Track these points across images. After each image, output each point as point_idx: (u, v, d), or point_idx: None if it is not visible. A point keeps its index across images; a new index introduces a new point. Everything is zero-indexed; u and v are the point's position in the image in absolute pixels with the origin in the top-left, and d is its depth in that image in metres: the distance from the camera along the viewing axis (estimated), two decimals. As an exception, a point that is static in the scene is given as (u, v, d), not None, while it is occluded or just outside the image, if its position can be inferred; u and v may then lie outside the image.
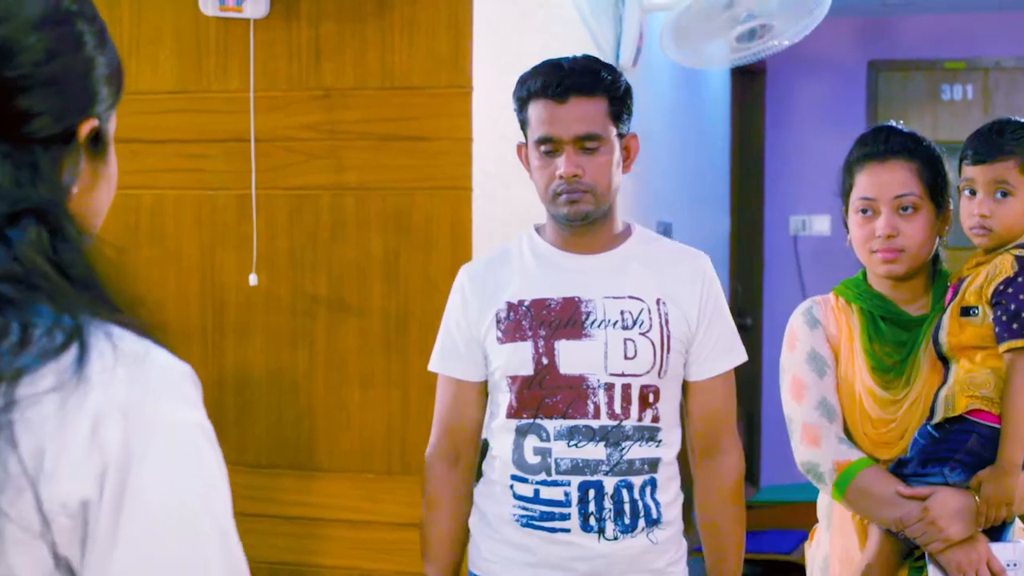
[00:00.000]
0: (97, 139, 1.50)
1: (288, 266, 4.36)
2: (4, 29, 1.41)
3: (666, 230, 6.64)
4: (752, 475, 7.87)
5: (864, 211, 3.30)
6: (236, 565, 1.40)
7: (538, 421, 3.21)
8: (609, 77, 3.22)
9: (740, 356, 3.36)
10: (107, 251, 1.48)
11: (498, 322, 3.27)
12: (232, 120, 4.37)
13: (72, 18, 1.48)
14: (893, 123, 3.41)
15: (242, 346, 4.42)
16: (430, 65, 4.22)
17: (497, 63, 4.35)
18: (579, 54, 3.29)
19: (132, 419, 1.33)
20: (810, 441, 3.30)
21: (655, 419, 3.22)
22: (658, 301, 3.24)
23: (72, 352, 1.33)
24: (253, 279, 4.32)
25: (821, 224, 9.26)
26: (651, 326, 3.22)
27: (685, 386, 3.33)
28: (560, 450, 3.19)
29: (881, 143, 3.32)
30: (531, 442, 3.23)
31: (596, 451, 3.18)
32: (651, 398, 3.21)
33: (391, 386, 4.28)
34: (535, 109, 3.22)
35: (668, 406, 3.26)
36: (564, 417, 3.19)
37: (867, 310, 3.36)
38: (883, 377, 3.31)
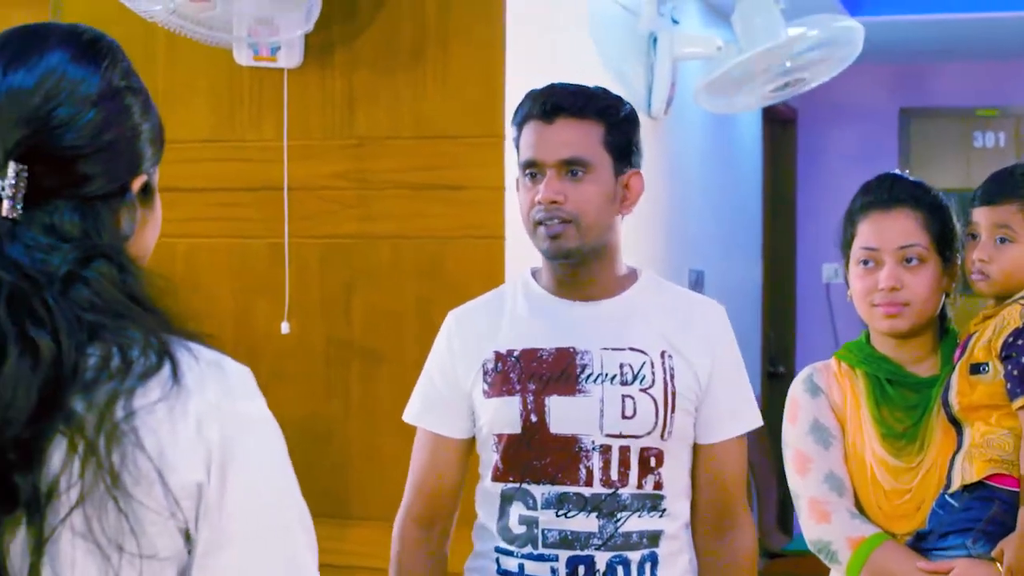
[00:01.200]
0: (145, 190, 1.79)
1: (320, 314, 4.37)
2: (67, 107, 1.68)
3: (698, 278, 6.63)
4: (785, 523, 7.83)
5: (866, 262, 3.11)
6: (307, 518, 1.77)
7: (524, 486, 2.89)
8: (606, 101, 2.94)
9: (755, 420, 3.05)
10: (158, 281, 1.75)
11: (485, 374, 2.96)
12: (265, 169, 4.39)
13: (122, 93, 1.76)
14: (899, 171, 3.26)
15: (275, 394, 4.38)
16: (463, 114, 4.23)
17: (530, 112, 4.35)
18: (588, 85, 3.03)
19: (225, 416, 1.66)
20: (819, 517, 3.07)
21: (658, 486, 2.89)
22: (663, 354, 2.92)
23: (167, 366, 1.63)
24: (285, 327, 4.33)
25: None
26: (654, 381, 2.89)
27: (694, 450, 3.00)
28: (547, 520, 2.86)
29: (885, 191, 3.14)
30: (517, 509, 2.90)
31: (587, 522, 2.85)
32: (653, 462, 2.89)
33: (424, 434, 4.27)
34: (525, 132, 2.95)
35: (674, 472, 2.93)
36: (553, 483, 2.86)
37: (872, 374, 3.15)
38: (895, 444, 3.09)
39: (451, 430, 3.04)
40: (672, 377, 2.91)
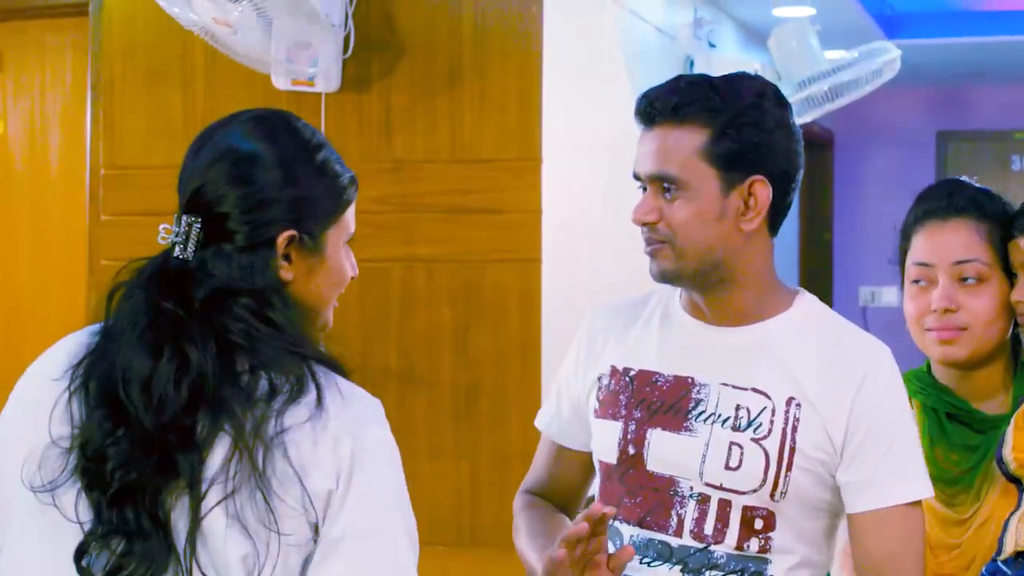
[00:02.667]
0: (303, 241, 2.11)
1: (359, 338, 4.37)
2: (243, 190, 2.10)
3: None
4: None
5: (918, 280, 2.73)
6: (412, 528, 2.08)
7: (615, 524, 2.53)
8: (715, 100, 2.45)
9: (919, 490, 2.45)
10: (313, 316, 2.19)
11: (599, 389, 2.61)
12: (303, 192, 4.40)
13: (253, 168, 2.10)
14: (964, 177, 2.85)
15: (312, 417, 4.42)
16: (500, 138, 4.24)
17: (566, 135, 4.36)
18: (699, 77, 2.56)
19: (356, 438, 2.02)
20: (849, 569, 2.61)
21: (763, 550, 2.44)
22: (789, 401, 2.44)
23: (313, 392, 2.01)
24: (322, 350, 4.33)
25: (891, 295, 9.19)
26: (770, 432, 2.43)
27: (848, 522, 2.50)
28: (631, 566, 2.47)
29: (943, 199, 2.73)
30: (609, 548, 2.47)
31: (670, 575, 2.48)
32: (758, 524, 2.44)
33: (460, 458, 4.27)
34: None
35: (791, 539, 2.46)
36: (641, 525, 2.50)
37: (930, 407, 2.74)
38: (947, 491, 2.66)
39: (571, 440, 2.71)
40: (794, 430, 2.44)
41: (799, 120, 5.71)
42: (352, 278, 2.28)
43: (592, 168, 4.65)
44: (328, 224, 2.17)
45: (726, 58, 5.83)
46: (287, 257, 2.11)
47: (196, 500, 1.95)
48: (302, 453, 1.98)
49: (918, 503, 2.45)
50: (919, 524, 2.45)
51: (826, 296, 9.34)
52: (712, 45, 5.80)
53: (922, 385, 2.77)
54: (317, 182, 2.16)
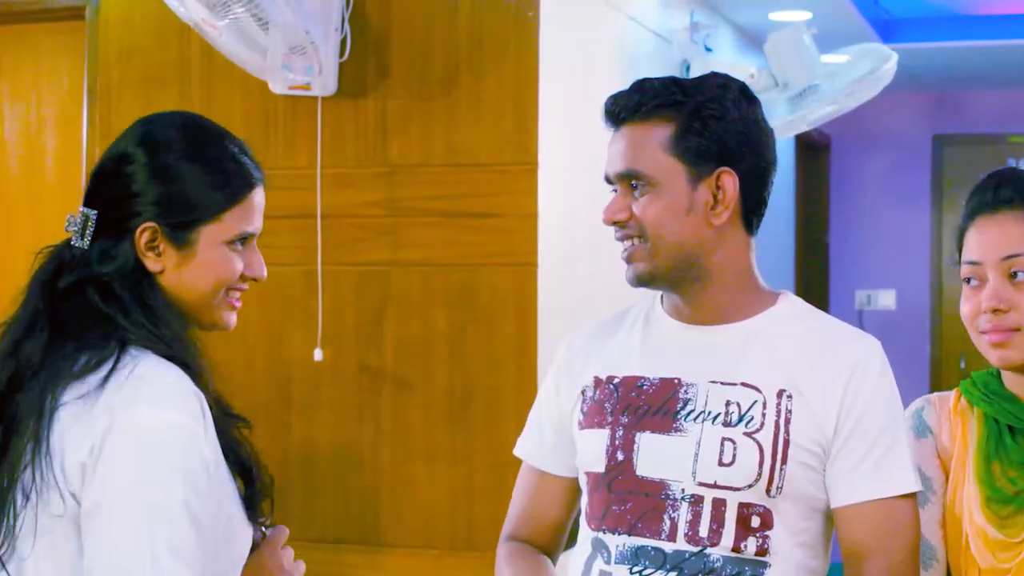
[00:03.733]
0: (169, 235, 2.22)
1: (354, 341, 4.38)
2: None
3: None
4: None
5: (969, 280, 2.51)
6: (165, 502, 2.06)
7: (601, 535, 2.46)
8: (678, 95, 2.45)
9: (903, 483, 2.40)
10: (194, 311, 2.31)
11: (583, 402, 2.55)
12: (299, 196, 4.41)
13: (127, 163, 2.23)
14: (1016, 164, 2.60)
15: (308, 421, 4.44)
16: (496, 142, 4.24)
17: (562, 140, 4.37)
18: (663, 76, 2.57)
19: (115, 415, 2.07)
20: None
21: (761, 552, 2.37)
22: (780, 393, 2.40)
23: (105, 370, 2.10)
24: (318, 354, 4.34)
25: (887, 299, 9.21)
26: (762, 425, 2.38)
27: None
28: None
29: (991, 191, 2.51)
30: (597, 564, 2.46)
31: None
32: (755, 522, 2.37)
33: (456, 462, 4.28)
34: None
35: (788, 538, 2.40)
36: (630, 533, 2.41)
37: (991, 416, 2.51)
38: (1000, 511, 2.46)
39: (554, 466, 2.64)
40: (787, 422, 2.39)
41: (797, 131, 5.76)
42: (255, 279, 2.39)
43: (588, 173, 4.64)
44: (203, 221, 2.24)
45: (723, 62, 5.83)
46: (154, 249, 2.21)
47: (8, 474, 2.11)
48: (66, 427, 2.09)
49: (904, 497, 2.40)
50: (904, 519, 2.40)
51: (822, 299, 9.34)
52: (709, 49, 5.80)
53: (987, 392, 2.54)
54: (195, 180, 2.24)
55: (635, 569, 2.40)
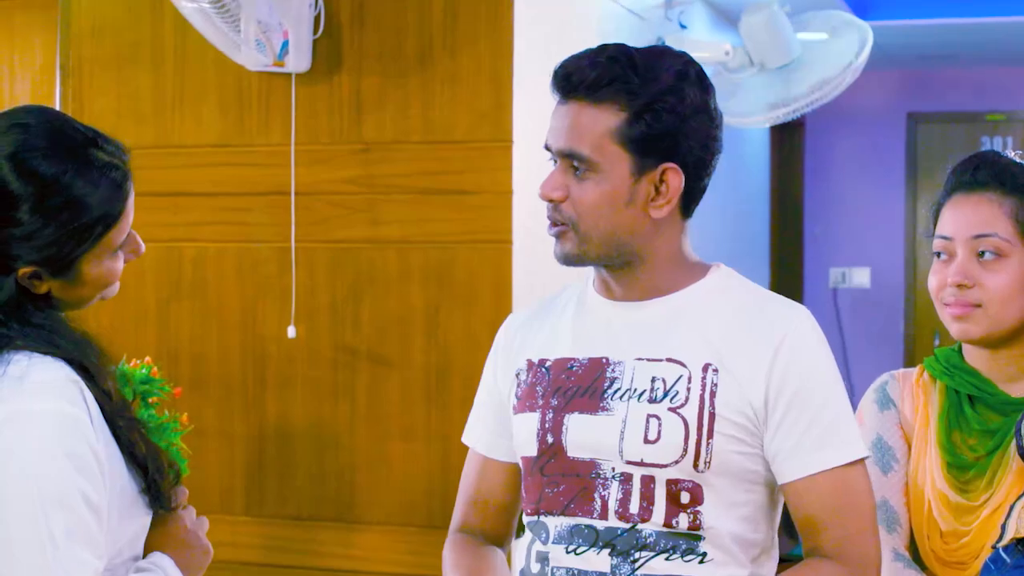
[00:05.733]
0: (59, 271, 2.21)
1: (329, 319, 4.37)
2: None
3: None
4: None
5: (939, 254, 2.63)
6: (68, 499, 2.06)
7: (541, 518, 2.44)
8: (633, 81, 2.35)
9: (850, 451, 2.37)
10: (84, 302, 2.28)
11: (517, 386, 2.53)
12: (273, 174, 4.40)
13: (6, 204, 2.17)
14: (1002, 150, 2.72)
15: (283, 399, 4.43)
16: (471, 119, 4.23)
17: (538, 117, 4.35)
18: (620, 51, 2.42)
19: None
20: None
21: (694, 527, 2.35)
22: (706, 367, 2.36)
23: None
24: (292, 331, 4.33)
25: (861, 276, 9.23)
26: (687, 400, 2.35)
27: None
28: (557, 556, 2.40)
29: (969, 171, 2.64)
30: (535, 546, 2.45)
31: (598, 560, 2.37)
32: (685, 498, 2.34)
33: (432, 440, 4.27)
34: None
35: (722, 513, 2.37)
36: (564, 513, 2.40)
37: (952, 388, 2.65)
38: (960, 477, 2.59)
39: (496, 451, 2.61)
40: (712, 395, 2.35)
41: (778, 121, 5.75)
42: (137, 255, 2.33)
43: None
44: (79, 258, 2.22)
45: (697, 39, 5.83)
46: (39, 277, 2.21)
47: None
48: None
49: (853, 464, 2.36)
50: (855, 486, 2.36)
51: (796, 277, 9.37)
52: (683, 26, 5.79)
53: (948, 366, 2.67)
54: (75, 216, 2.19)
55: (570, 548, 2.39)
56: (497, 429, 2.59)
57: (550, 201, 2.40)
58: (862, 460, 2.38)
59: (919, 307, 9.17)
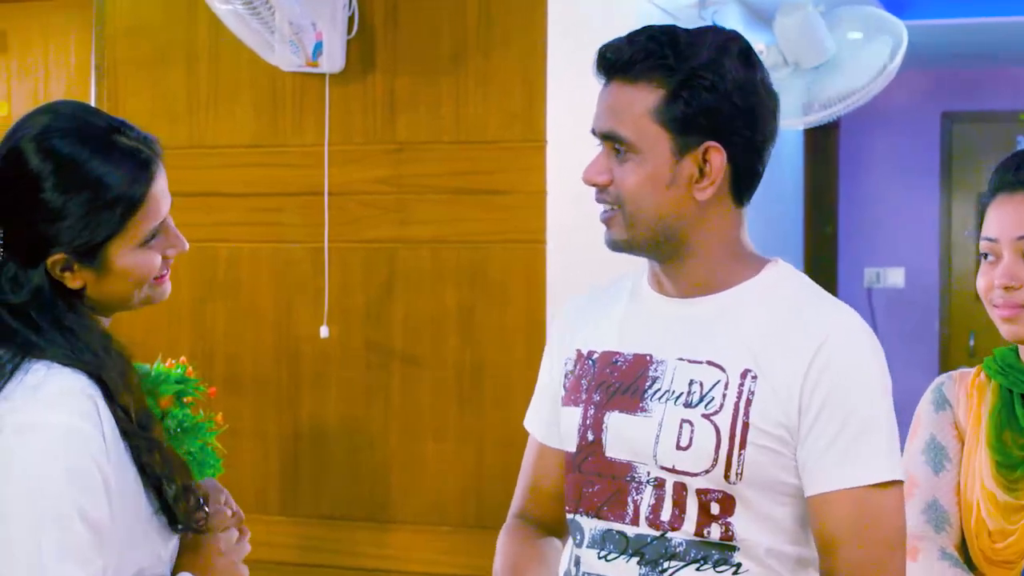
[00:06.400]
0: (86, 258, 2.20)
1: (362, 319, 4.38)
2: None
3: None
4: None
5: (986, 255, 2.61)
6: (48, 507, 2.06)
7: (576, 517, 2.38)
8: (671, 57, 2.26)
9: (877, 472, 2.22)
10: (124, 303, 2.28)
11: (565, 376, 2.47)
12: (307, 174, 4.40)
13: (29, 182, 2.19)
14: None
15: (317, 398, 4.44)
16: (504, 119, 4.23)
17: (571, 116, 4.36)
18: (659, 30, 2.35)
19: (4, 420, 2.09)
20: (908, 555, 2.40)
21: (726, 537, 2.25)
22: (745, 373, 2.25)
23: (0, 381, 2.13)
24: (324, 331, 4.34)
25: (896, 276, 9.19)
26: (722, 407, 2.25)
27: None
28: (589, 562, 2.35)
29: (1011, 170, 2.61)
30: (572, 548, 2.41)
31: (627, 568, 2.30)
32: (715, 508, 2.25)
33: (465, 439, 4.27)
34: None
35: (754, 525, 2.26)
36: (598, 516, 2.34)
37: (1006, 387, 2.62)
38: (1009, 476, 2.56)
39: (548, 437, 2.53)
40: (748, 404, 2.24)
41: (814, 124, 5.73)
42: (177, 254, 2.33)
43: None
44: (105, 243, 2.21)
45: (731, 39, 5.81)
46: (70, 270, 2.21)
47: None
48: None
49: (881, 486, 2.21)
50: (879, 510, 2.22)
51: (831, 277, 9.34)
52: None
53: (1003, 365, 2.64)
54: (96, 198, 2.19)
55: (601, 553, 2.32)
56: (550, 416, 2.51)
57: (594, 185, 2.33)
58: (893, 483, 2.24)
59: (954, 307, 9.14)
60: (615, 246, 2.34)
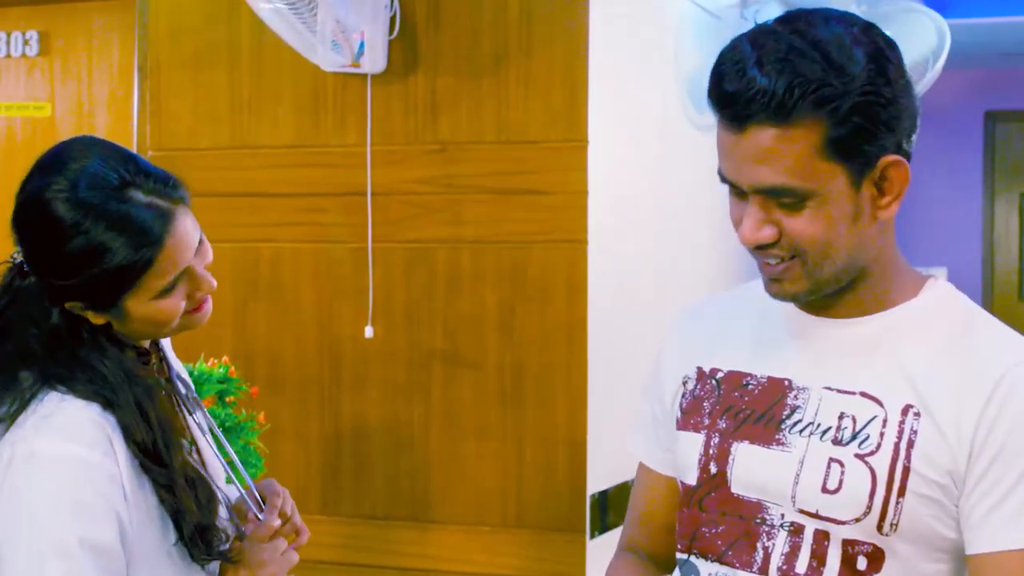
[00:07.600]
0: (102, 309, 2.22)
1: (404, 319, 4.38)
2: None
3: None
4: None
5: None
6: (64, 536, 2.06)
7: (691, 559, 2.12)
8: (821, 83, 1.88)
9: None
10: (152, 335, 2.33)
11: (683, 396, 2.20)
12: (349, 174, 4.41)
13: (57, 233, 2.18)
14: None
15: (358, 398, 4.44)
16: (546, 119, 4.23)
17: (613, 117, 4.36)
18: (797, 42, 1.92)
19: (16, 447, 2.11)
20: None
21: None
22: (906, 410, 1.97)
23: (15, 409, 2.14)
24: (369, 331, 4.35)
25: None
26: (879, 447, 1.96)
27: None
28: None
29: None
30: None
31: None
32: (861, 563, 1.97)
33: (506, 439, 4.27)
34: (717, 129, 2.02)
35: None
36: (720, 560, 2.07)
37: None
38: None
39: (655, 461, 2.28)
40: (910, 445, 1.95)
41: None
42: (207, 293, 2.37)
43: (638, 149, 4.64)
44: (120, 296, 2.22)
45: (773, 38, 5.78)
46: (90, 310, 2.23)
47: None
48: None
49: None
50: None
51: (873, 278, 9.29)
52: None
53: None
54: (83, 277, 2.19)
55: None
56: (657, 437, 2.27)
57: (761, 245, 2.01)
58: None
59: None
60: (792, 298, 2.06)
